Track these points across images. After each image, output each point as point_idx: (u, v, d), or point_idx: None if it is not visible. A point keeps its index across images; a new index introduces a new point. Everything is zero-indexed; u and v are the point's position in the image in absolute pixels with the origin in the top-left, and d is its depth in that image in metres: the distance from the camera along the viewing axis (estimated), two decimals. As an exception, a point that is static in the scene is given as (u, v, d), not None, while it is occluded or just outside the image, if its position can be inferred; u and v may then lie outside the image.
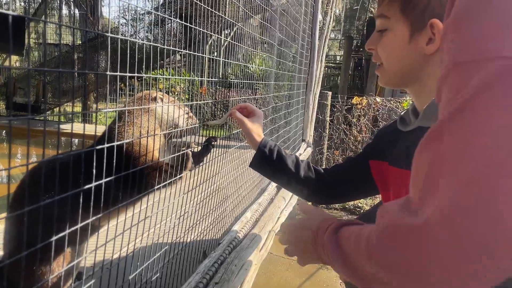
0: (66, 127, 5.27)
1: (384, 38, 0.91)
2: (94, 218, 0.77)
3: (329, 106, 5.52)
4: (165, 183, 1.05)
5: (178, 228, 1.25)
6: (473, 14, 0.41)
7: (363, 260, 0.49)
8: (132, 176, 0.89)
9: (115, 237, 0.87)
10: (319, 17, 4.57)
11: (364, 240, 0.50)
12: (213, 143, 1.33)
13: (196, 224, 1.35)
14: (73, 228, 0.73)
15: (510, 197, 0.34)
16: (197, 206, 1.34)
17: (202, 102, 1.22)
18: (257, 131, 1.21)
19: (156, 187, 1.03)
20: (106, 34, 0.66)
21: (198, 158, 1.29)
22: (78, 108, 7.18)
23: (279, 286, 3.33)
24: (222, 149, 1.55)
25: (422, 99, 0.91)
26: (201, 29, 1.19)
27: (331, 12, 5.28)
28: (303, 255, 0.77)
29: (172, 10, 4.08)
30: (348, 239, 0.58)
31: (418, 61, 0.87)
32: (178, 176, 1.11)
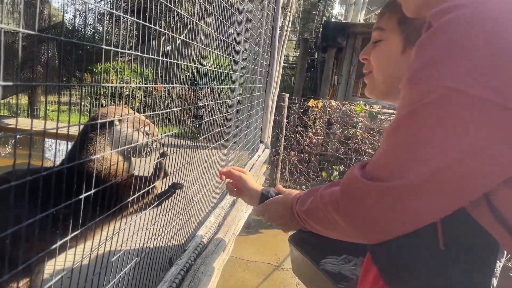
0: (11, 122, 4.92)
1: (378, 47, 0.94)
2: (62, 241, 0.73)
3: (286, 108, 5.60)
4: (139, 193, 1.01)
5: (144, 236, 1.22)
6: (434, 44, 0.55)
7: (332, 209, 0.69)
8: (103, 194, 0.85)
9: (91, 251, 0.82)
10: (280, 19, 4.62)
11: (331, 193, 0.71)
12: (177, 189, 1.30)
13: (164, 232, 1.31)
14: (42, 254, 0.68)
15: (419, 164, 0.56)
16: (166, 212, 1.31)
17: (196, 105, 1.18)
18: (255, 185, 1.22)
19: (130, 199, 0.99)
20: (47, 35, 0.56)
21: (159, 199, 1.24)
22: (24, 101, 6.74)
23: (236, 287, 3.34)
24: (191, 150, 1.52)
25: None
26: (154, 27, 1.12)
27: (290, 15, 5.35)
28: (285, 226, 1.00)
29: (123, 1, 3.90)
30: (314, 198, 0.80)
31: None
32: (151, 186, 1.07)
